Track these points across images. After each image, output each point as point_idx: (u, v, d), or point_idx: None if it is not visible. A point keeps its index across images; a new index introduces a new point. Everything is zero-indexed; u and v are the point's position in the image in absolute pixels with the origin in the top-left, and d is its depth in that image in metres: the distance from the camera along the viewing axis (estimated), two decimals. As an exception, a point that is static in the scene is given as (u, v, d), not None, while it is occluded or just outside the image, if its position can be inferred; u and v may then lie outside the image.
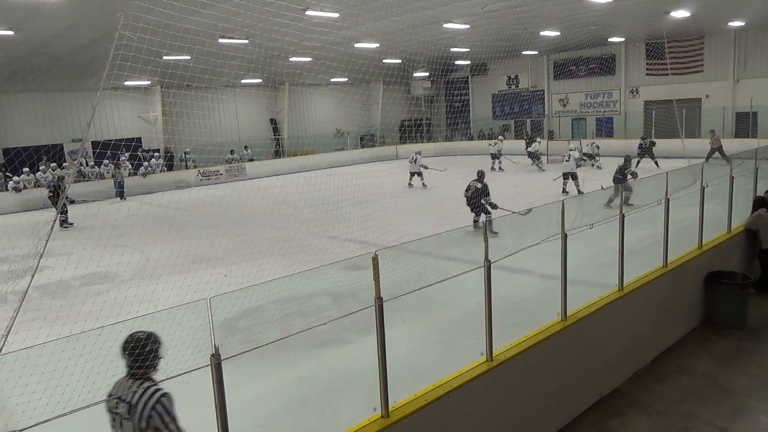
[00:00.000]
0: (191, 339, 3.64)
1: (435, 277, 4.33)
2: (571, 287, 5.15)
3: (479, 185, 12.17)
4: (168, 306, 3.58)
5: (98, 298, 8.26)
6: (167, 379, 2.96)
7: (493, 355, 4.40)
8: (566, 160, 16.70)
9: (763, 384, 5.67)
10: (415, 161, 20.82)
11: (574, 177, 16.35)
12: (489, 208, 11.96)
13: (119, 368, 3.44)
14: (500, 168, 23.72)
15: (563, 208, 5.07)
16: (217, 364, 2.98)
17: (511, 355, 4.48)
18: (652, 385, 5.64)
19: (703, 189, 7.15)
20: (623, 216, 5.70)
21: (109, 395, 3.14)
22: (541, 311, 5.36)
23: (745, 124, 23.52)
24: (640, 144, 22.18)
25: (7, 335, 4.94)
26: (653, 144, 21.90)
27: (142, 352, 3.08)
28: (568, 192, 16.40)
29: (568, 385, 5.10)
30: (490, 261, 4.38)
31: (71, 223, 16.33)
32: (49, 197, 17.00)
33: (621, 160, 14.61)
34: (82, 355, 3.52)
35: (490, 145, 25.05)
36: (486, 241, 4.37)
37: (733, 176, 7.88)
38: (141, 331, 3.20)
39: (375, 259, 3.58)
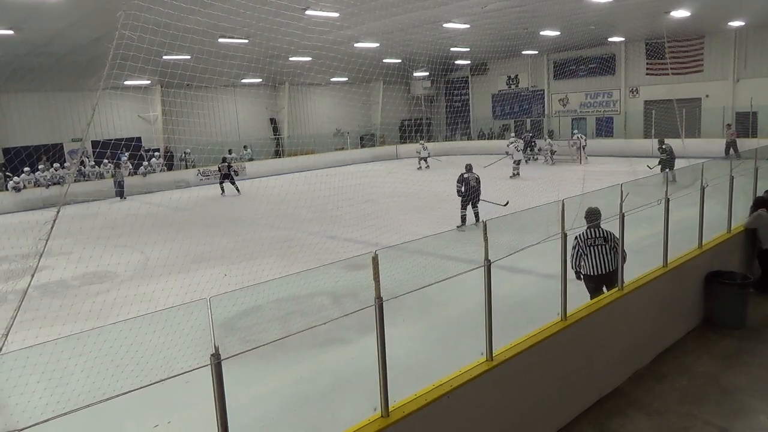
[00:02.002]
0: (191, 338, 3.65)
1: (435, 277, 4.34)
2: (572, 287, 5.15)
3: (476, 175, 12.67)
4: (168, 306, 3.58)
5: (98, 298, 8.27)
6: (167, 378, 2.96)
7: (493, 355, 4.39)
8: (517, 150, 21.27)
9: (763, 384, 5.67)
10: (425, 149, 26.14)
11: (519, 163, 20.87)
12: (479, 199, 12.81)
13: (119, 367, 3.45)
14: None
15: (563, 207, 5.07)
16: (217, 363, 2.97)
17: (511, 354, 4.48)
18: (652, 385, 5.64)
19: (702, 189, 7.15)
20: (623, 216, 5.70)
21: (586, 237, 6.15)
22: (541, 311, 5.36)
23: (745, 123, 23.51)
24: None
25: (7, 335, 4.95)
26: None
27: (596, 215, 6.12)
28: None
29: (568, 384, 5.10)
30: (490, 261, 4.38)
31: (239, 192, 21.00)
32: (219, 169, 21.74)
33: None
34: (81, 354, 3.52)
35: (509, 144, 24.82)
36: (486, 241, 4.37)
37: (733, 176, 7.87)
38: (593, 207, 6.18)
39: (375, 259, 3.58)
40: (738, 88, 24.59)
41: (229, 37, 16.56)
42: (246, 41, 17.27)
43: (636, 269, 6.18)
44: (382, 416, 3.67)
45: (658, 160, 17.71)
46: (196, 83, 14.95)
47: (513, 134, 26.98)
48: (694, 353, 6.31)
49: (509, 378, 4.50)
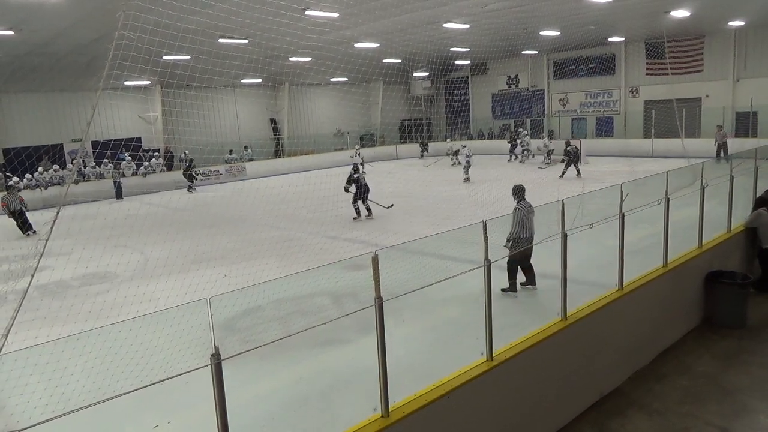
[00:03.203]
0: (191, 339, 3.65)
1: (435, 277, 4.34)
2: (571, 287, 5.15)
3: (364, 175, 14.54)
4: (168, 306, 3.58)
5: (98, 298, 8.26)
6: (167, 379, 2.96)
7: (493, 355, 4.39)
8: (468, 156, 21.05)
9: (763, 384, 5.67)
10: (359, 154, 24.82)
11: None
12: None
13: (119, 367, 3.45)
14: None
15: (563, 208, 5.07)
16: (217, 364, 2.98)
17: (511, 354, 4.48)
18: (652, 385, 5.64)
19: (703, 189, 7.15)
20: (623, 216, 5.70)
21: (526, 207, 7.24)
22: (541, 311, 5.37)
23: (745, 123, 23.50)
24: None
25: (7, 335, 4.95)
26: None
27: (523, 190, 7.53)
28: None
29: (568, 384, 5.10)
30: (490, 261, 4.38)
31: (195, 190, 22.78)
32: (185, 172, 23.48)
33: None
34: (81, 355, 3.52)
35: (462, 148, 23.98)
36: (486, 241, 4.37)
37: (733, 176, 7.87)
38: (520, 184, 7.58)
39: (375, 259, 3.58)
40: (738, 88, 24.59)
41: (229, 38, 16.55)
42: (246, 41, 17.27)
43: (636, 269, 6.17)
44: (382, 416, 3.67)
45: (566, 159, 20.24)
46: (196, 83, 14.92)
47: (466, 142, 26.27)
48: (694, 353, 6.31)
49: (509, 378, 4.50)
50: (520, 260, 7.25)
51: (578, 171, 19.73)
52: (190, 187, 23.05)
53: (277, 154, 29.48)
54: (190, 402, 4.83)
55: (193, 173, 23.62)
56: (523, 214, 7.27)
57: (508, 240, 7.13)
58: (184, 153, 25.84)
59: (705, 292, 7.07)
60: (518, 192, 7.61)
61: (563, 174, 19.86)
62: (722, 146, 20.90)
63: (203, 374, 3.01)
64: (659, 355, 6.26)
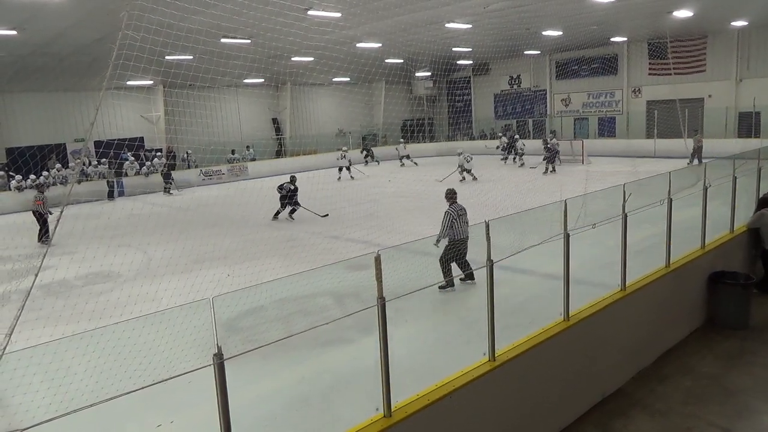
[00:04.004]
0: (194, 338, 3.65)
1: (437, 277, 4.34)
2: (574, 287, 5.14)
3: (292, 186, 15.00)
4: (171, 305, 3.59)
5: (101, 298, 8.29)
6: (169, 378, 2.97)
7: (496, 355, 4.39)
8: (467, 161, 20.49)
9: (766, 384, 5.66)
10: (344, 157, 23.88)
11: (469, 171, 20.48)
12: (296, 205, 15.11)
13: (122, 367, 3.46)
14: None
15: (565, 208, 5.07)
16: (219, 363, 2.98)
17: (514, 355, 4.47)
18: (654, 386, 5.63)
19: (705, 189, 7.14)
20: (626, 216, 5.69)
21: (457, 210, 7.83)
22: (544, 311, 5.36)
23: (747, 124, 23.45)
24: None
25: (10, 334, 4.96)
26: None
27: (455, 194, 8.11)
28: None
29: (570, 385, 5.09)
30: (492, 261, 4.38)
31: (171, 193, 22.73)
32: (162, 172, 23.77)
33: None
34: (85, 354, 3.53)
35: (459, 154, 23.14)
36: (488, 241, 4.37)
37: (736, 176, 7.86)
38: (452, 188, 8.28)
39: (377, 259, 3.58)
40: (741, 88, 24.53)
41: (232, 38, 16.57)
42: (248, 41, 17.29)
43: (638, 270, 6.16)
44: (384, 416, 3.68)
45: (544, 157, 21.64)
46: (198, 83, 14.93)
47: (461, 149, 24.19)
48: (697, 354, 6.30)
49: (511, 378, 4.49)
50: (455, 259, 7.54)
51: (553, 168, 21.18)
52: (165, 189, 22.83)
53: (279, 154, 29.51)
54: (193, 401, 4.84)
55: (170, 173, 23.52)
56: (454, 218, 7.78)
57: (438, 239, 7.60)
58: (187, 153, 25.88)
59: (708, 292, 7.06)
60: (450, 195, 8.12)
61: (546, 171, 20.90)
62: (697, 150, 20.70)
63: (206, 374, 3.01)
64: (662, 355, 6.25)
